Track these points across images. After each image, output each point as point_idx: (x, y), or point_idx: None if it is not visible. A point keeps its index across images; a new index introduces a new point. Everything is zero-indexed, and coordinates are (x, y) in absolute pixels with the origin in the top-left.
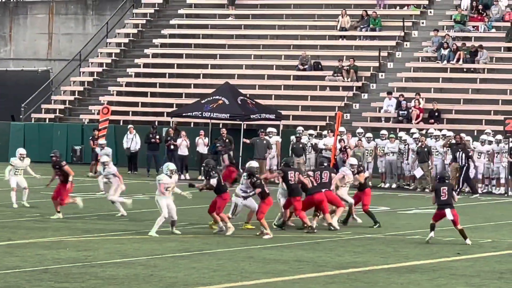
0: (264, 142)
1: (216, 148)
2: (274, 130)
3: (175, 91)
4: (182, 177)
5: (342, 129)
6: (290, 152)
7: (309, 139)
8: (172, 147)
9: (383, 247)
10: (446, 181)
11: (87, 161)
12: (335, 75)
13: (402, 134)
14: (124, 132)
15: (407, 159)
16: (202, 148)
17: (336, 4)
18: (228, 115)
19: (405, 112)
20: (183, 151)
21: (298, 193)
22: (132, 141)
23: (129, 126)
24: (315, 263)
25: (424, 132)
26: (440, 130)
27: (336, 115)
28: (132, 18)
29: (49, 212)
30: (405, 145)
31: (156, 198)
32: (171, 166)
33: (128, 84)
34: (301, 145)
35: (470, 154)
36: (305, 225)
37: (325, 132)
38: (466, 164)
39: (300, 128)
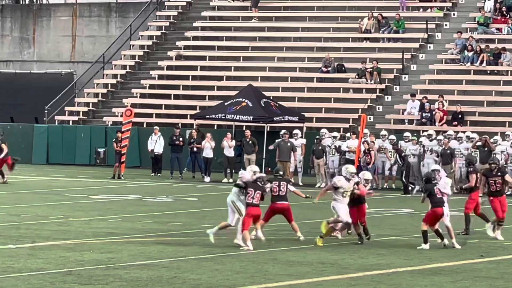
0: (288, 144)
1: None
2: (299, 132)
3: (198, 93)
4: (206, 179)
5: (365, 131)
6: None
7: (332, 141)
8: (195, 149)
9: (406, 249)
10: (433, 181)
11: (110, 163)
12: (359, 77)
13: (423, 138)
14: (147, 134)
15: (422, 161)
16: (229, 151)
17: (359, 6)
18: (252, 117)
19: (429, 114)
20: (207, 153)
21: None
22: (156, 143)
23: (154, 127)
24: (339, 265)
25: (446, 134)
26: (464, 132)
27: (360, 117)
28: (155, 21)
29: (72, 214)
30: (422, 147)
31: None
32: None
33: (152, 86)
34: (320, 147)
35: (402, 154)
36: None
37: (348, 134)
38: (401, 163)
39: (324, 131)
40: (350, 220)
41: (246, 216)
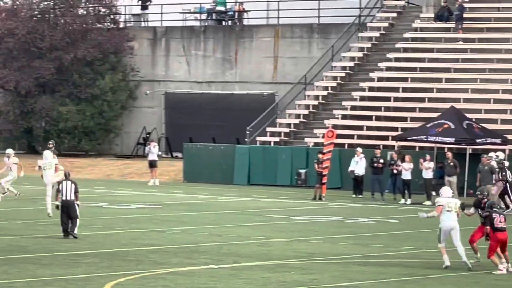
0: (486, 168)
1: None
2: (500, 154)
3: (400, 115)
4: (406, 201)
5: None
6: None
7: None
8: (395, 171)
9: None
10: None
11: (311, 184)
12: None
13: None
14: (349, 155)
15: None
16: (427, 173)
17: None
18: (454, 139)
19: None
20: (405, 175)
21: None
22: (358, 165)
23: (357, 149)
24: None
25: None
26: None
27: None
28: (357, 42)
29: (273, 235)
30: None
31: None
32: None
33: (353, 108)
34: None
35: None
36: None
37: None
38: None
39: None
40: None
41: (493, 241)
